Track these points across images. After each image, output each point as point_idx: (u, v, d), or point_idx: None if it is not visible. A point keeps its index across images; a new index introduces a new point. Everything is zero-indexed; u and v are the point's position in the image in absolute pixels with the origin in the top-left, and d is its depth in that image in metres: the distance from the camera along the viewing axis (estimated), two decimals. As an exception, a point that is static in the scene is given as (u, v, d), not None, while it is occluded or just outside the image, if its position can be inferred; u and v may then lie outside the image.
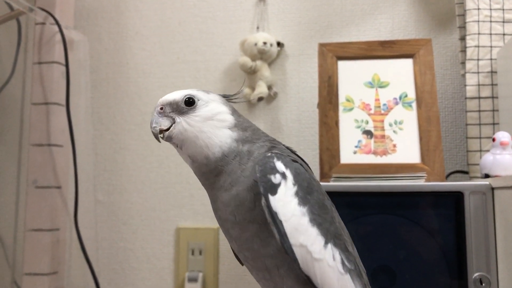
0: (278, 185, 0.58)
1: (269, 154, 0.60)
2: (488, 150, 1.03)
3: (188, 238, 1.40)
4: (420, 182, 0.97)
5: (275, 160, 0.59)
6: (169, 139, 0.62)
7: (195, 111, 0.63)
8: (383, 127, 1.12)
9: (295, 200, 0.58)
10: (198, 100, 0.63)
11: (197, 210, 1.42)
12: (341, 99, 1.15)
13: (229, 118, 0.64)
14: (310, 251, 0.57)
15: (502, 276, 0.86)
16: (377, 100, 1.14)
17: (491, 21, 1.17)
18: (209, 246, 1.39)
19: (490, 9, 1.17)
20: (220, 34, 1.47)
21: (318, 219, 0.59)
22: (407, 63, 1.16)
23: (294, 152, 0.65)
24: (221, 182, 0.61)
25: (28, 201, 1.26)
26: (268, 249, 0.59)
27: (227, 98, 0.68)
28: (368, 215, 0.94)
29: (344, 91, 1.16)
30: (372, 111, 1.13)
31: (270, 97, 1.41)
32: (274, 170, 0.58)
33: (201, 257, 1.39)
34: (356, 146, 1.11)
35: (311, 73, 1.39)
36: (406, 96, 1.14)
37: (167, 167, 1.45)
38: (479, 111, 1.16)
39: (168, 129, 0.62)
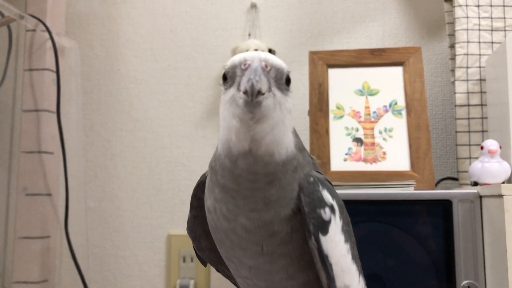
0: (329, 222, 0.51)
1: (312, 179, 0.52)
2: (477, 157, 1.03)
3: (179, 245, 1.40)
4: (409, 190, 0.97)
5: (320, 188, 0.52)
6: (256, 105, 0.48)
7: (288, 96, 0.53)
8: (373, 135, 1.12)
9: (342, 238, 0.52)
10: (291, 86, 0.54)
11: (188, 217, 1.42)
12: (332, 106, 1.16)
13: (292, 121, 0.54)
14: None
15: (490, 284, 0.86)
16: (367, 107, 1.15)
17: (479, 30, 1.18)
18: (201, 253, 1.38)
19: (479, 18, 1.19)
20: (211, 41, 1.47)
21: (355, 252, 0.55)
22: (397, 71, 1.17)
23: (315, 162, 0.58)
24: (267, 194, 0.50)
25: (18, 208, 1.25)
26: (292, 282, 0.53)
27: None
28: (358, 223, 0.94)
29: (334, 98, 1.16)
30: (362, 119, 1.14)
31: (262, 104, 1.41)
32: (323, 203, 0.51)
33: (192, 264, 1.38)
34: (346, 154, 1.12)
35: (302, 80, 1.40)
36: (396, 103, 1.14)
37: (158, 174, 1.45)
38: (469, 118, 1.17)
39: (262, 94, 0.48)
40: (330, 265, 0.50)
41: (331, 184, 0.56)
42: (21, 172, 1.26)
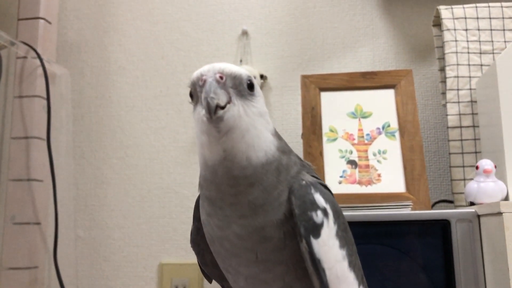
0: (321, 225, 0.49)
1: (304, 182, 0.51)
2: (471, 179, 1.03)
3: (171, 274, 1.37)
4: (406, 211, 0.96)
5: (313, 191, 0.51)
6: (218, 120, 0.48)
7: (254, 101, 0.52)
8: (367, 157, 1.12)
9: (336, 243, 0.50)
10: (256, 90, 0.53)
11: (180, 245, 1.39)
12: (325, 129, 1.16)
13: (271, 122, 0.54)
14: None
15: (492, 305, 0.85)
16: (360, 130, 1.15)
17: (468, 53, 1.20)
18: (193, 283, 1.35)
19: (467, 41, 1.20)
20: (203, 68, 1.47)
21: (353, 260, 0.53)
22: (389, 94, 1.17)
23: (310, 167, 0.57)
24: (250, 198, 0.50)
25: (6, 238, 1.22)
26: None
27: None
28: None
29: (327, 121, 1.16)
30: (355, 141, 1.14)
31: (254, 129, 1.40)
32: (315, 206, 0.50)
33: (185, 294, 1.35)
34: (341, 176, 1.11)
35: (294, 105, 1.40)
36: (389, 125, 1.15)
37: (150, 201, 1.42)
38: (461, 140, 1.17)
39: (223, 107, 0.48)
40: (323, 270, 0.49)
41: (328, 189, 0.55)
42: (9, 201, 1.23)
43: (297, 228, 0.49)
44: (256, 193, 0.50)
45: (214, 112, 0.47)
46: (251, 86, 0.52)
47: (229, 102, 0.49)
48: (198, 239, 0.62)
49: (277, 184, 0.50)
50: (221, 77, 0.49)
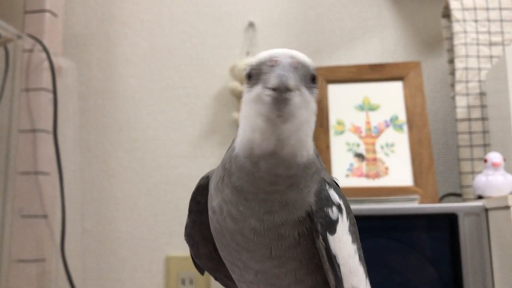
0: (336, 221, 0.49)
1: (319, 178, 0.51)
2: (480, 172, 1.02)
3: (178, 268, 1.37)
4: (413, 205, 0.95)
5: (327, 187, 0.50)
6: (285, 101, 0.45)
7: (313, 96, 0.50)
8: (374, 150, 1.11)
9: (349, 238, 0.50)
10: (316, 86, 0.51)
11: (187, 238, 1.39)
12: (332, 122, 1.15)
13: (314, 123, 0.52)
14: None
15: (500, 300, 0.84)
16: (367, 123, 1.14)
17: (478, 44, 1.18)
18: (200, 276, 1.35)
19: (477, 32, 1.19)
20: (209, 60, 1.47)
21: (362, 254, 0.53)
22: (397, 86, 1.16)
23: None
24: (284, 197, 0.49)
25: (14, 230, 1.22)
26: (300, 286, 0.51)
27: None
28: (362, 239, 0.92)
29: (334, 114, 1.15)
30: (363, 134, 1.13)
31: (261, 122, 1.40)
32: (330, 202, 0.50)
33: (192, 287, 1.35)
34: (348, 169, 1.10)
35: (301, 98, 1.39)
36: (397, 118, 1.13)
37: (156, 195, 1.42)
38: (470, 132, 1.16)
39: (291, 91, 0.46)
40: (338, 266, 0.49)
41: (338, 185, 0.54)
42: (16, 194, 1.24)
43: (314, 225, 0.49)
44: (291, 193, 0.49)
45: (284, 92, 0.45)
46: (313, 80, 0.50)
47: (297, 89, 0.47)
48: (194, 232, 0.61)
49: (310, 185, 0.50)
50: (295, 62, 0.48)
